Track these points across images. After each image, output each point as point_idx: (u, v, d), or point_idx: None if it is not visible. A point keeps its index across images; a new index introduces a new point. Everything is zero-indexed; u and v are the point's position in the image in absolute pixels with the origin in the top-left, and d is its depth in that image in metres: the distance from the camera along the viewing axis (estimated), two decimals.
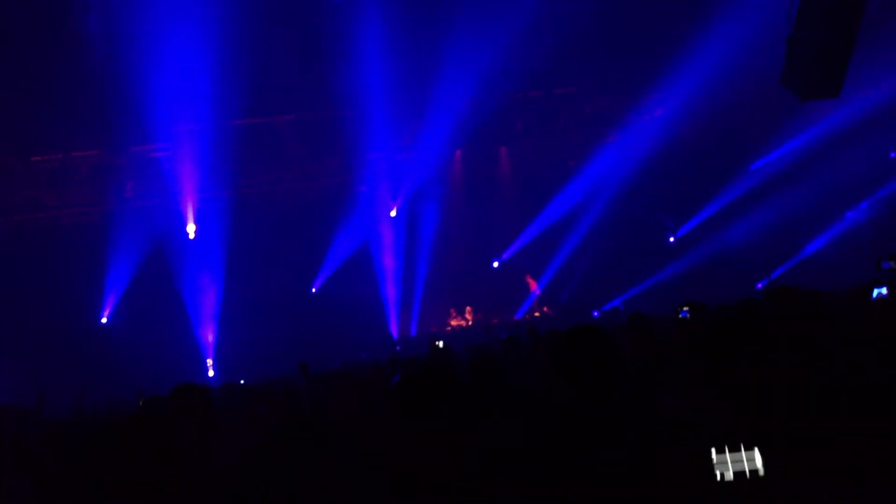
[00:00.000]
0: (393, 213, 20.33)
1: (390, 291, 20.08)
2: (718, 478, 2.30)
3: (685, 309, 4.75)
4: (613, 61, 16.91)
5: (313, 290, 19.96)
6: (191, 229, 18.67)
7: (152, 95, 15.32)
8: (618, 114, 18.78)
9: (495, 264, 21.47)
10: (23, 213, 18.13)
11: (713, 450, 2.34)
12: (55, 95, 14.75)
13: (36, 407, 6.94)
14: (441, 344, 12.50)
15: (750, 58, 14.24)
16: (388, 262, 20.11)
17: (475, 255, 21.08)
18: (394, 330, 20.07)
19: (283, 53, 14.88)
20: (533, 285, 20.95)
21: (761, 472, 2.27)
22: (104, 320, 18.50)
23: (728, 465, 2.32)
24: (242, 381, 12.58)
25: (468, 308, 20.47)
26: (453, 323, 20.28)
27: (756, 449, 2.28)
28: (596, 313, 19.28)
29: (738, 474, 2.30)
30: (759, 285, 18.69)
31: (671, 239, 21.38)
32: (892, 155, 18.56)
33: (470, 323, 20.19)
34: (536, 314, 20.29)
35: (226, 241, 18.47)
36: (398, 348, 18.31)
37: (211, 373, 18.32)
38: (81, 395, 9.24)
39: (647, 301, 17.06)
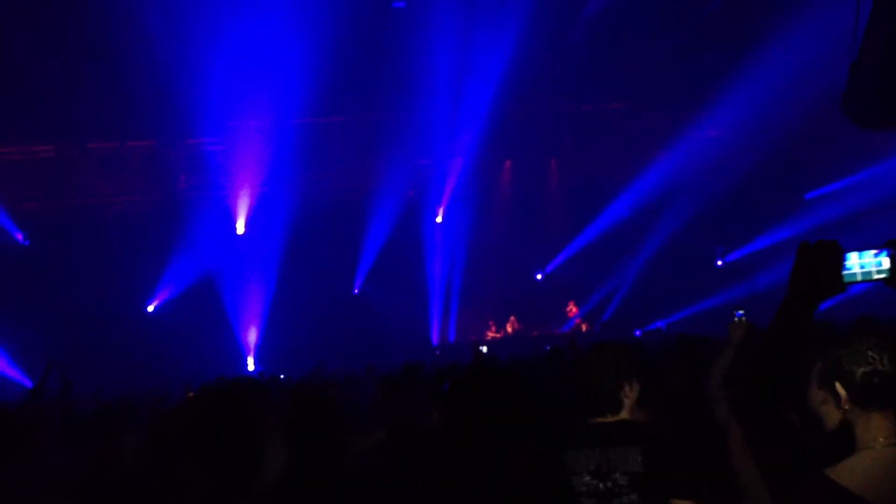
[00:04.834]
0: (439, 220, 20.34)
1: (432, 297, 20.06)
2: None
3: None
4: (666, 78, 16.70)
5: (355, 291, 20.03)
6: (240, 225, 18.89)
7: (208, 90, 15.56)
8: (669, 131, 18.51)
9: (538, 276, 21.33)
10: (77, 199, 18.50)
11: None
12: (113, 85, 15.03)
13: (60, 395, 7.01)
14: (485, 349, 12.44)
15: (808, 80, 13.93)
16: (432, 267, 20.11)
17: (519, 265, 20.96)
18: (434, 336, 20.03)
19: (338, 55, 14.99)
20: (574, 312, 20.66)
21: None
22: (150, 309, 18.76)
23: None
24: (283, 377, 12.72)
25: (512, 318, 20.29)
26: (490, 335, 20.13)
27: None
28: (638, 333, 18.99)
29: None
30: None
31: (719, 263, 21.00)
32: None
33: (510, 333, 20.04)
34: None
35: (272, 238, 18.64)
36: (437, 353, 18.27)
37: (251, 367, 18.43)
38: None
39: (691, 324, 16.72)
